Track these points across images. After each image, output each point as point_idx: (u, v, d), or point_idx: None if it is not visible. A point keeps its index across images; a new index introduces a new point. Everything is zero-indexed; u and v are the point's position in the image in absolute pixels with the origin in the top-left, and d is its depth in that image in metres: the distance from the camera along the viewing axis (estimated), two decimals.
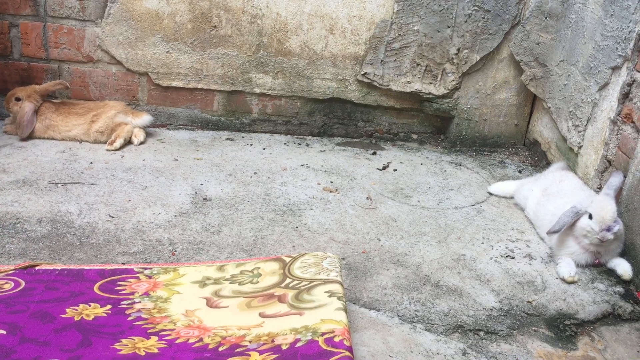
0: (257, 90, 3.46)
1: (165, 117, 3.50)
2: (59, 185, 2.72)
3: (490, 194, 3.04)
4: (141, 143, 3.21)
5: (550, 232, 2.46)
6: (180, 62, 3.36)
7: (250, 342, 1.70)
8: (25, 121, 3.08)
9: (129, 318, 1.80)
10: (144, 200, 2.66)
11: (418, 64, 3.41)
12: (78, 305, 1.82)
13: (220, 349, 1.67)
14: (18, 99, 3.12)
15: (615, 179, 2.47)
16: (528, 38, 3.30)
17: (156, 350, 1.66)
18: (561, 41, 3.19)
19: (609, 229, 2.33)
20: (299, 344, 1.65)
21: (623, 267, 2.40)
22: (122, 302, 1.87)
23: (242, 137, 3.47)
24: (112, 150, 3.10)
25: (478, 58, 3.38)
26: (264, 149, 3.34)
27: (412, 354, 1.88)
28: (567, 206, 2.46)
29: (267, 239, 2.44)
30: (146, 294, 1.93)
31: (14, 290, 1.86)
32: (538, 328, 2.07)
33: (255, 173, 3.02)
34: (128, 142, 3.20)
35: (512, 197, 2.99)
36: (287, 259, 2.08)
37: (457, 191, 3.05)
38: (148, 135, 3.30)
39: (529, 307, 2.18)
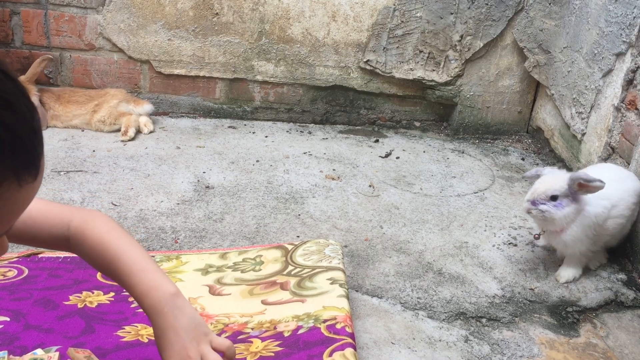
0: (259, 77, 3.44)
1: (167, 105, 3.49)
2: (62, 173, 2.72)
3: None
4: (151, 132, 3.21)
5: (524, 176, 2.32)
6: (182, 49, 3.34)
7: (252, 329, 1.70)
8: (40, 114, 3.07)
9: (132, 305, 1.80)
10: (147, 188, 2.66)
11: (421, 51, 3.39)
12: (81, 293, 1.83)
13: (223, 336, 1.68)
14: None
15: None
16: (532, 24, 3.28)
17: None
18: (565, 27, 3.16)
19: (534, 203, 2.12)
20: (300, 331, 1.65)
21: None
22: None
23: (245, 124, 3.46)
24: (127, 140, 3.09)
25: (481, 45, 3.36)
26: (266, 136, 3.33)
27: (415, 340, 1.88)
28: None
29: (269, 226, 2.45)
30: None
31: (18, 278, 1.87)
32: (540, 315, 2.08)
33: (257, 161, 3.02)
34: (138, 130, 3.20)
35: (515, 185, 2.98)
36: (289, 247, 2.08)
37: (460, 179, 3.04)
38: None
39: (531, 294, 2.18)
